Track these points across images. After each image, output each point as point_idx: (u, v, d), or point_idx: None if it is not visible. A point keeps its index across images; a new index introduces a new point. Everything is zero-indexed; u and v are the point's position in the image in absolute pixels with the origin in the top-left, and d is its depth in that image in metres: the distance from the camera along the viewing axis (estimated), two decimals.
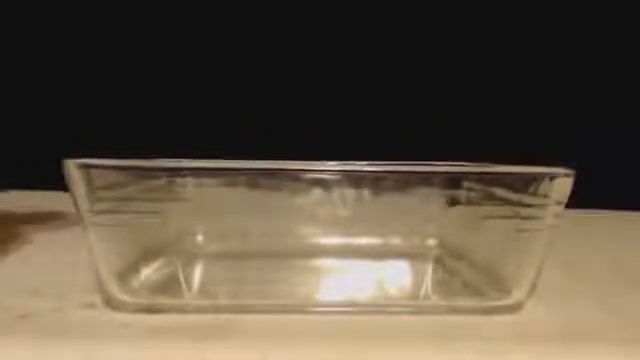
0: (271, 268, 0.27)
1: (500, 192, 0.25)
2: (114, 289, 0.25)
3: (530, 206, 0.25)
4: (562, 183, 0.25)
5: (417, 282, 0.27)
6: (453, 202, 0.26)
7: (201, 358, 0.21)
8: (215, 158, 0.25)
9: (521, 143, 0.47)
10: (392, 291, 0.26)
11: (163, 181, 0.24)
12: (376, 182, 0.26)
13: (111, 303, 0.25)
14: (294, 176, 0.26)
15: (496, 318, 0.25)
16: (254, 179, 0.25)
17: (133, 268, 0.26)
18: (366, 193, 0.26)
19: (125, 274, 0.25)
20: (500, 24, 0.56)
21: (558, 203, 0.25)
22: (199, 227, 0.26)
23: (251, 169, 0.24)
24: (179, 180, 0.25)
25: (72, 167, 0.23)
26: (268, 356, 0.21)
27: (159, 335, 0.22)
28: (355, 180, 0.26)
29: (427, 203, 0.26)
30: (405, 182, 0.26)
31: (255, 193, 0.25)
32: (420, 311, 0.25)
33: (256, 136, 0.44)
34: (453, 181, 0.25)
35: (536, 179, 0.25)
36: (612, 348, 0.23)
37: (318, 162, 0.27)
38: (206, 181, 0.25)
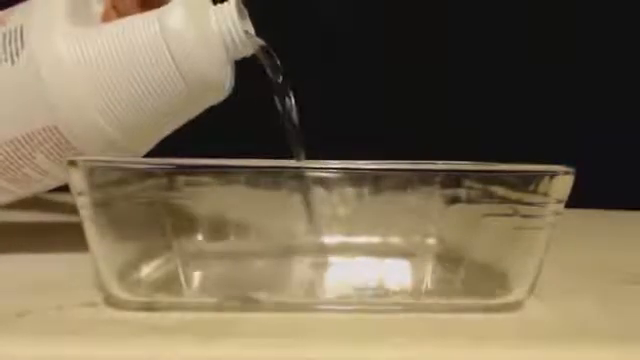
0: (271, 266, 0.27)
1: (500, 190, 0.25)
2: (114, 287, 0.25)
3: (530, 204, 0.25)
4: (562, 181, 0.25)
5: (417, 280, 0.27)
6: (453, 201, 0.26)
7: (201, 356, 0.21)
8: (215, 156, 0.25)
9: (521, 142, 0.47)
10: (392, 289, 0.26)
11: (163, 179, 0.25)
12: (376, 181, 0.26)
13: (111, 301, 0.25)
14: (294, 174, 0.26)
15: (496, 316, 0.25)
16: (254, 177, 0.25)
17: (133, 266, 0.26)
18: (366, 192, 0.26)
19: (125, 272, 0.25)
20: (500, 23, 0.56)
21: (558, 201, 0.25)
22: (199, 225, 0.26)
23: (251, 167, 0.25)
24: (179, 178, 0.25)
25: (72, 165, 0.23)
26: (268, 354, 0.21)
27: (160, 333, 0.22)
28: (355, 179, 0.26)
29: (427, 202, 0.26)
30: (405, 181, 0.26)
31: (255, 191, 0.25)
32: (420, 309, 0.25)
33: (256, 134, 0.44)
34: (453, 180, 0.25)
35: (536, 177, 0.25)
36: (612, 347, 0.23)
37: (318, 161, 0.27)
38: (206, 179, 0.25)
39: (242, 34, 0.29)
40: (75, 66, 0.28)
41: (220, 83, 0.30)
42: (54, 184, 0.32)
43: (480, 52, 0.57)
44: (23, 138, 0.29)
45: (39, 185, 0.31)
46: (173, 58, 0.28)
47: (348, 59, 0.57)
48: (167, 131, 0.32)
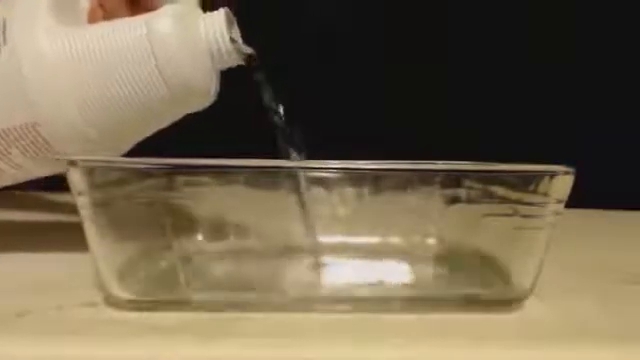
0: (271, 266, 0.27)
1: (500, 190, 0.25)
2: (114, 287, 0.25)
3: (530, 204, 0.25)
4: (562, 181, 0.25)
5: (417, 280, 0.27)
6: (453, 201, 0.26)
7: (201, 356, 0.21)
8: (215, 156, 0.25)
9: (521, 143, 0.47)
10: (392, 289, 0.26)
11: (163, 179, 0.25)
12: (376, 181, 0.26)
13: (111, 301, 0.25)
14: (291, 175, 0.26)
15: (496, 316, 0.25)
16: (254, 177, 0.25)
17: (133, 266, 0.26)
18: (366, 191, 0.26)
19: (125, 272, 0.25)
20: (499, 24, 0.56)
21: (558, 201, 0.25)
22: (199, 225, 0.26)
23: (251, 167, 0.25)
24: (179, 178, 0.25)
25: (72, 165, 0.23)
26: (268, 354, 0.21)
27: (160, 333, 0.22)
28: (355, 179, 0.26)
29: (427, 202, 0.26)
30: (405, 181, 0.26)
31: (255, 191, 0.25)
32: (420, 309, 0.25)
33: (256, 134, 0.44)
34: (453, 180, 0.25)
35: (536, 177, 0.25)
36: (612, 347, 0.23)
37: (318, 161, 0.27)
38: (206, 179, 0.25)
39: (229, 44, 0.29)
40: (56, 62, 0.28)
41: (203, 90, 0.30)
42: (26, 178, 0.32)
43: (480, 52, 0.57)
44: None
45: (10, 179, 0.31)
46: (156, 61, 0.28)
47: (348, 59, 0.57)
48: (148, 133, 0.32)
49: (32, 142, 0.29)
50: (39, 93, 0.28)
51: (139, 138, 0.32)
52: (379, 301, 0.26)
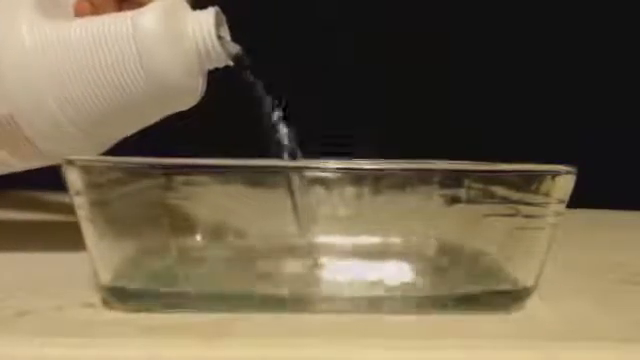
0: (270, 267, 0.27)
1: (501, 190, 0.25)
2: (113, 287, 0.25)
3: (531, 204, 0.25)
4: (564, 181, 0.25)
5: (417, 281, 0.27)
6: (454, 201, 0.25)
7: (201, 356, 0.21)
8: (214, 156, 0.25)
9: (522, 142, 0.47)
10: (392, 290, 0.26)
11: (161, 179, 0.24)
12: (376, 181, 0.26)
13: (110, 302, 0.25)
14: (288, 174, 0.26)
15: (497, 316, 0.25)
16: (252, 177, 0.25)
17: (131, 266, 0.26)
18: (366, 191, 0.26)
19: (123, 272, 0.25)
20: (501, 23, 0.56)
21: (560, 201, 0.25)
22: (197, 225, 0.26)
23: (250, 167, 0.24)
24: (177, 178, 0.24)
25: (69, 165, 0.23)
26: (268, 354, 0.21)
27: (159, 333, 0.22)
28: (355, 179, 0.26)
29: (427, 202, 0.26)
30: (405, 180, 0.26)
31: (254, 191, 0.25)
32: (420, 309, 0.25)
33: (256, 134, 0.44)
34: (453, 179, 0.25)
35: (537, 177, 0.25)
36: (612, 347, 0.23)
37: (318, 160, 0.27)
38: (205, 179, 0.25)
39: (217, 43, 0.29)
40: (36, 53, 0.27)
41: (188, 88, 0.30)
42: (5, 172, 0.32)
43: (482, 52, 0.57)
44: None
45: None
46: (140, 57, 0.28)
47: (348, 58, 0.57)
48: (131, 130, 0.31)
49: (10, 135, 0.28)
50: (16, 83, 0.27)
51: (122, 135, 0.32)
52: (379, 301, 0.26)
